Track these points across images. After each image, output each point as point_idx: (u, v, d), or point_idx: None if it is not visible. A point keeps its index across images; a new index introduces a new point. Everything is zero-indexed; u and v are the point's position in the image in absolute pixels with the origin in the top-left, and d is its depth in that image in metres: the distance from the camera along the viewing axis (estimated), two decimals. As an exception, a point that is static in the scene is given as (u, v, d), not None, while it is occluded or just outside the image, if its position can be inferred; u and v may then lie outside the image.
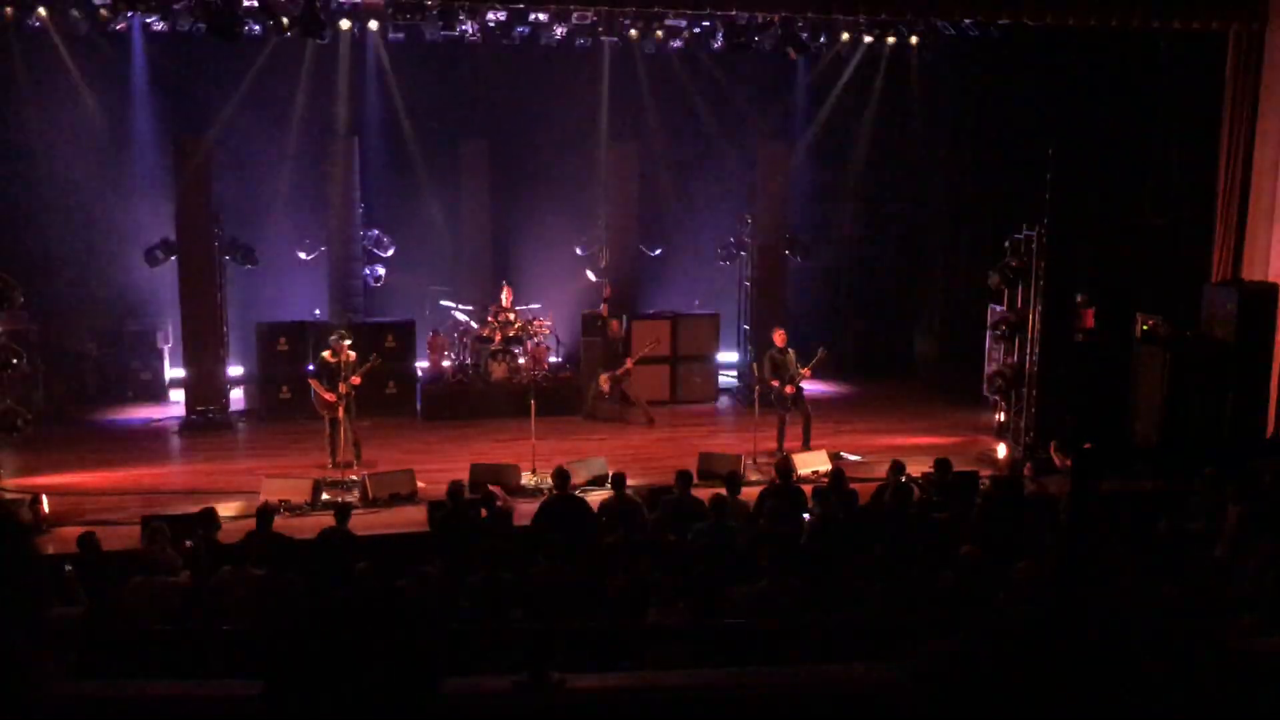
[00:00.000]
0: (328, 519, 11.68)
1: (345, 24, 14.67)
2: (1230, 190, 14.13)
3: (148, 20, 13.92)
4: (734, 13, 14.27)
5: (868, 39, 16.14)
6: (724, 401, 16.59)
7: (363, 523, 10.65)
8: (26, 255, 14.50)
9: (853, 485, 11.23)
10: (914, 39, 16.25)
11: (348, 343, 12.86)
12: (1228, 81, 14.08)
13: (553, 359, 16.44)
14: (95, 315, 15.66)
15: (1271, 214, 13.80)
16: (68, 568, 8.70)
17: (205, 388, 14.87)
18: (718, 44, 15.37)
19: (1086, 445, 2.95)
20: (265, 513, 9.99)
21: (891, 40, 16.28)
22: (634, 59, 16.47)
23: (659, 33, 15.30)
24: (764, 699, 3.07)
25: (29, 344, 13.78)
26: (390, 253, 16.33)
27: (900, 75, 17.01)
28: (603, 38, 15.38)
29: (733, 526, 10.11)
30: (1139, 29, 13.77)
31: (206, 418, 14.77)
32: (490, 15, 14.55)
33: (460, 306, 16.29)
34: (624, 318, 15.88)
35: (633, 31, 15.16)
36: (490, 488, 10.90)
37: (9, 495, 12.17)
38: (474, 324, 16.00)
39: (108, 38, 14.61)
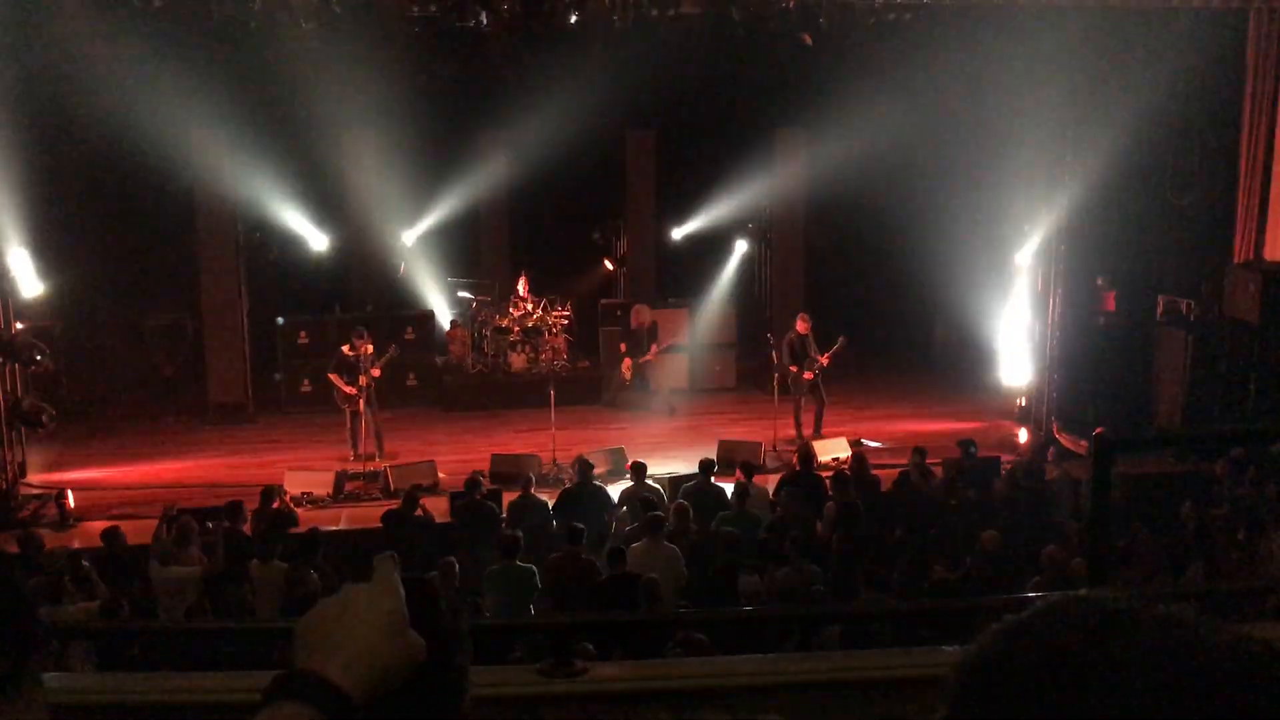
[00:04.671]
0: (350, 511, 11.78)
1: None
2: (1252, 170, 14.00)
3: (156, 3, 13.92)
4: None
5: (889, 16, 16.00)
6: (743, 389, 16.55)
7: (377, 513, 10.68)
8: (50, 247, 14.55)
9: (874, 472, 11.24)
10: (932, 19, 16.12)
11: (366, 336, 12.92)
12: (1249, 60, 13.94)
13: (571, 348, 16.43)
14: (116, 310, 15.73)
15: (1294, 193, 13.69)
16: (84, 563, 8.79)
17: (227, 381, 14.96)
18: (734, 29, 15.30)
19: (1099, 430, 2.92)
20: (269, 492, 10.18)
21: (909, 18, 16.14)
22: (651, 44, 16.38)
23: (672, 13, 15.25)
24: (786, 688, 3.07)
25: (52, 339, 13.86)
26: None
27: (920, 56, 16.89)
28: (618, 23, 15.33)
29: (755, 514, 10.13)
30: (1159, 7, 13.66)
31: (228, 411, 14.86)
32: (505, 5, 14.53)
33: (477, 298, 16.26)
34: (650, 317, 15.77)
35: (653, 12, 15.11)
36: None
37: (35, 491, 12.30)
38: (496, 314, 15.95)
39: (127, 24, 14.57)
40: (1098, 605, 0.89)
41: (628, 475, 11.12)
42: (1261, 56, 13.80)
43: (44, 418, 12.56)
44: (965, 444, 11.66)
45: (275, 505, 10.26)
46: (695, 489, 10.51)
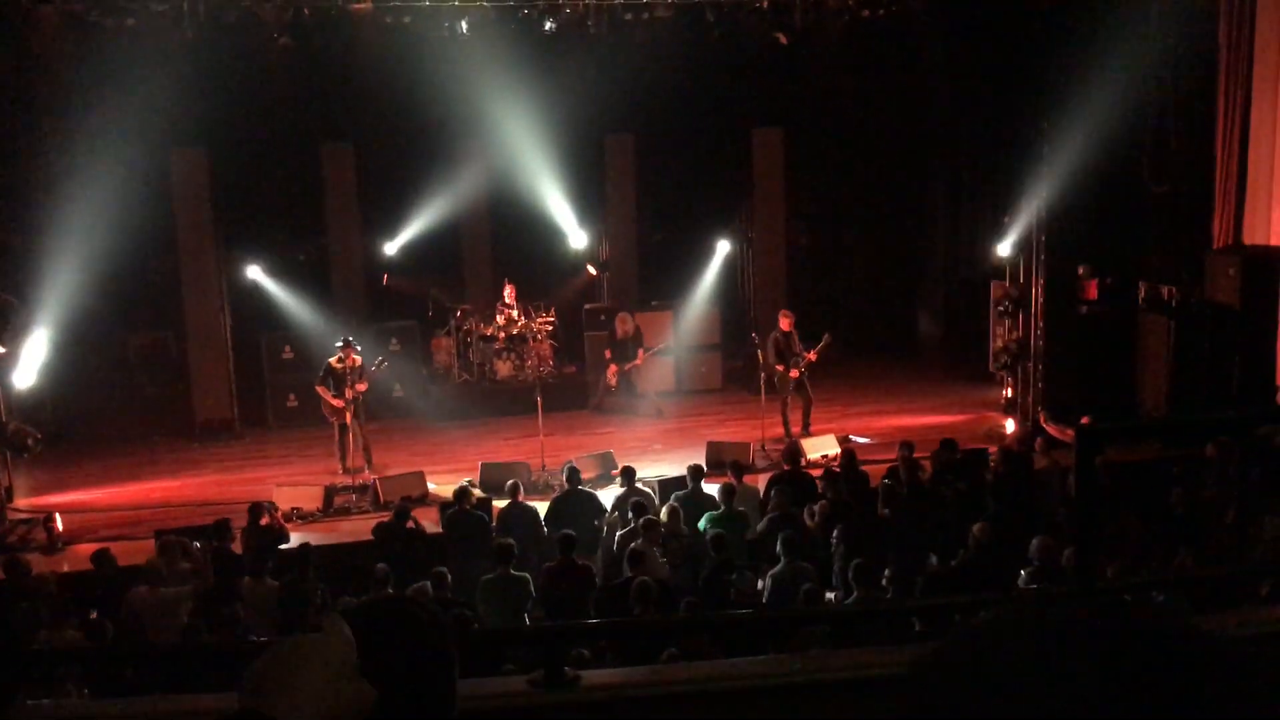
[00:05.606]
0: (340, 525, 11.75)
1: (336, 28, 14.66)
2: (1228, 155, 14.06)
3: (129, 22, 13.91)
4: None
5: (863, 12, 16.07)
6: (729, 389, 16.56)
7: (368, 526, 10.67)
8: (29, 271, 14.48)
9: (863, 468, 11.26)
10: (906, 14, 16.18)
11: (354, 348, 12.90)
12: (1221, 44, 14.01)
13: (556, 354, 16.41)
14: (99, 331, 15.65)
15: (1271, 178, 13.74)
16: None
17: (212, 398, 14.91)
18: (708, 29, 15.36)
19: (1085, 419, 2.93)
20: (256, 509, 10.15)
21: (883, 13, 16.22)
22: (627, 48, 16.41)
23: (646, 17, 15.31)
24: (778, 689, 3.07)
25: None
26: None
27: (894, 50, 16.95)
28: (592, 29, 15.37)
29: (743, 512, 10.14)
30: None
31: (215, 428, 14.80)
32: (482, 12, 14.57)
33: (461, 307, 16.19)
34: (632, 315, 15.76)
35: (628, 15, 15.16)
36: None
37: (22, 516, 12.23)
38: (481, 322, 15.91)
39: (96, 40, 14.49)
40: (1051, 609, 0.90)
41: (616, 480, 11.11)
42: (1234, 42, 13.87)
43: (30, 441, 12.49)
44: (948, 440, 11.68)
45: (264, 521, 10.23)
46: (686, 497, 10.49)
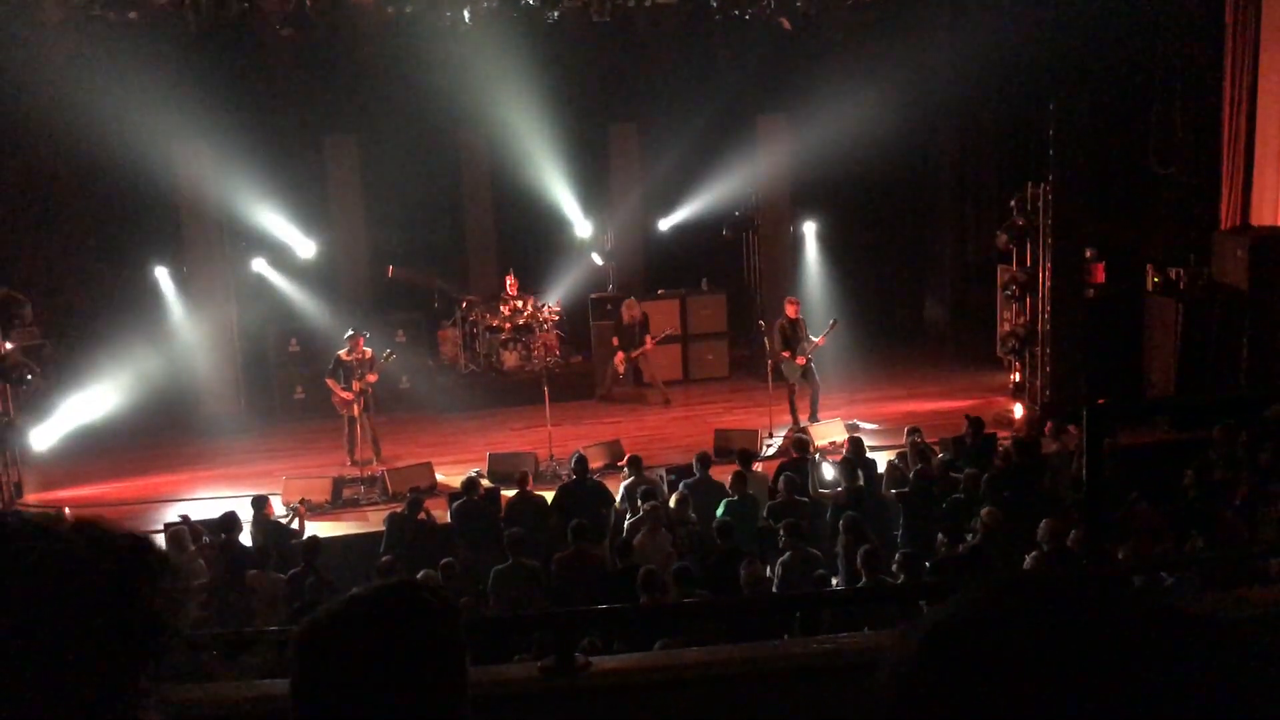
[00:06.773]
0: (349, 516, 11.76)
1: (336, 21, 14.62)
2: (1235, 136, 14.00)
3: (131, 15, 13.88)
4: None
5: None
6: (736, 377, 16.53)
7: (377, 518, 10.69)
8: (33, 268, 14.50)
9: (871, 454, 11.26)
10: None
11: (364, 339, 12.90)
12: (1228, 25, 13.93)
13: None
14: (104, 325, 15.64)
15: (1278, 158, 13.68)
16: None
17: (219, 392, 14.93)
18: (711, 16, 15.30)
19: (1100, 400, 2.91)
20: (259, 501, 10.17)
21: None
22: (629, 36, 16.36)
23: (649, 5, 15.26)
24: (787, 673, 3.06)
25: (42, 359, 13.76)
26: None
27: (899, 34, 16.87)
28: (595, 18, 15.31)
29: (754, 498, 10.14)
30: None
31: (222, 421, 14.81)
32: (485, 2, 14.53)
33: (466, 298, 16.18)
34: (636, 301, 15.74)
35: (630, 2, 15.11)
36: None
37: (32, 510, 12.24)
38: (486, 313, 15.90)
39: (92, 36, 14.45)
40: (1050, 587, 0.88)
41: (624, 469, 11.10)
42: (1239, 22, 13.79)
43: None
44: (976, 419, 11.66)
45: (267, 511, 10.28)
46: (695, 484, 10.48)
